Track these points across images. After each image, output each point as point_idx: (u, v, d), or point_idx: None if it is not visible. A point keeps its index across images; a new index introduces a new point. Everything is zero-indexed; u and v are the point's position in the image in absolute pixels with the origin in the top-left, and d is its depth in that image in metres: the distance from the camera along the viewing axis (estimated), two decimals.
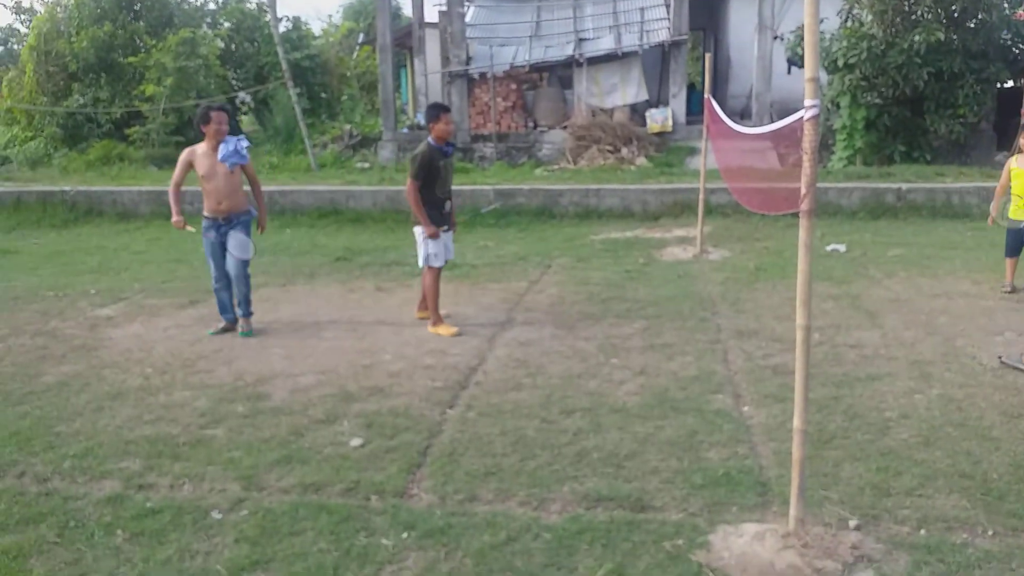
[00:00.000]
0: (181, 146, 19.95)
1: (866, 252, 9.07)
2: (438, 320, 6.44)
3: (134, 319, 7.04)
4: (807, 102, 2.97)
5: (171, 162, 18.49)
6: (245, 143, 6.47)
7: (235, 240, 6.40)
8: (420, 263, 6.52)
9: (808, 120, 2.97)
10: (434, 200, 6.36)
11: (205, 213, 6.47)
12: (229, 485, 3.91)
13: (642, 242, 10.11)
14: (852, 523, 3.41)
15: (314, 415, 4.75)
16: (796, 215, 3.08)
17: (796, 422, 3.26)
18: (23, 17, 25.11)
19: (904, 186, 11.53)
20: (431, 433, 4.45)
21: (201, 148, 6.38)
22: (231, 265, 6.43)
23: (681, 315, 6.71)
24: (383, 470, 4.01)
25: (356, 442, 4.34)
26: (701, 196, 9.42)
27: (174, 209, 6.52)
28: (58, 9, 22.21)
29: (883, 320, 6.43)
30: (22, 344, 6.33)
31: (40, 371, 5.66)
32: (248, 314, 6.59)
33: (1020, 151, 7.27)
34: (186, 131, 20.52)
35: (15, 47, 26.47)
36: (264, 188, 12.35)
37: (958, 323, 6.29)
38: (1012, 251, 7.30)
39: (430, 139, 6.34)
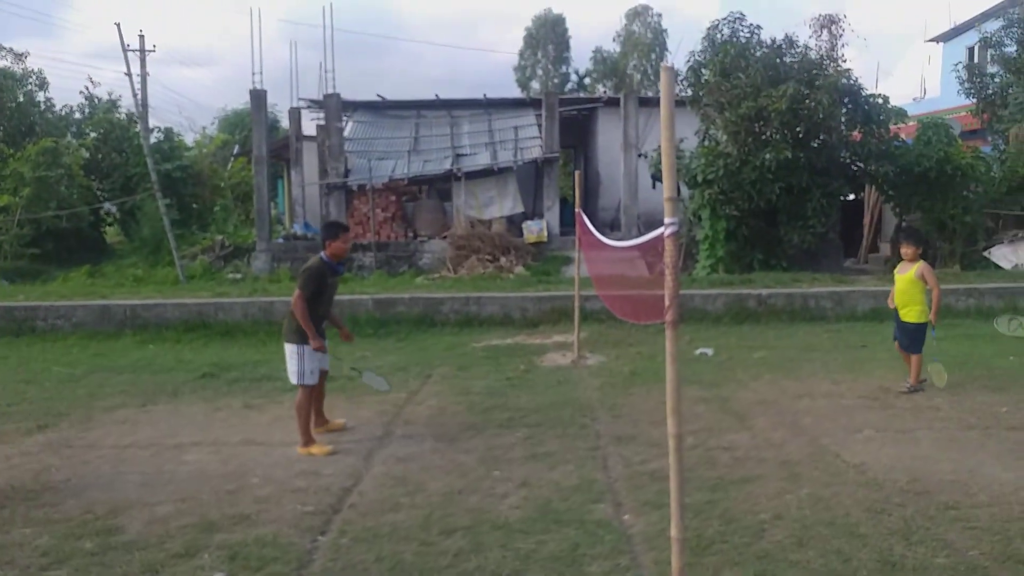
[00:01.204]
0: (37, 258, 19.06)
1: (732, 355, 9.46)
2: (309, 440, 6.15)
3: None
4: (666, 219, 3.12)
5: (24, 275, 17.57)
6: None
7: None
8: (293, 380, 6.29)
9: (668, 236, 3.10)
10: (314, 317, 6.22)
11: None
12: None
13: (523, 348, 10.18)
14: None
15: (172, 548, 4.36)
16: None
17: (673, 531, 3.25)
18: None
19: (764, 292, 12.23)
20: (300, 564, 4.17)
21: None
22: None
23: (562, 422, 6.72)
24: None
25: None
26: (576, 303, 9.64)
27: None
28: None
29: (752, 422, 6.64)
30: None
31: None
32: None
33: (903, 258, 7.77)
34: (44, 242, 19.50)
35: None
36: (127, 302, 11.92)
37: (822, 423, 6.58)
38: (915, 347, 7.63)
39: (323, 255, 6.33)
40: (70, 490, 5.36)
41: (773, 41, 15.45)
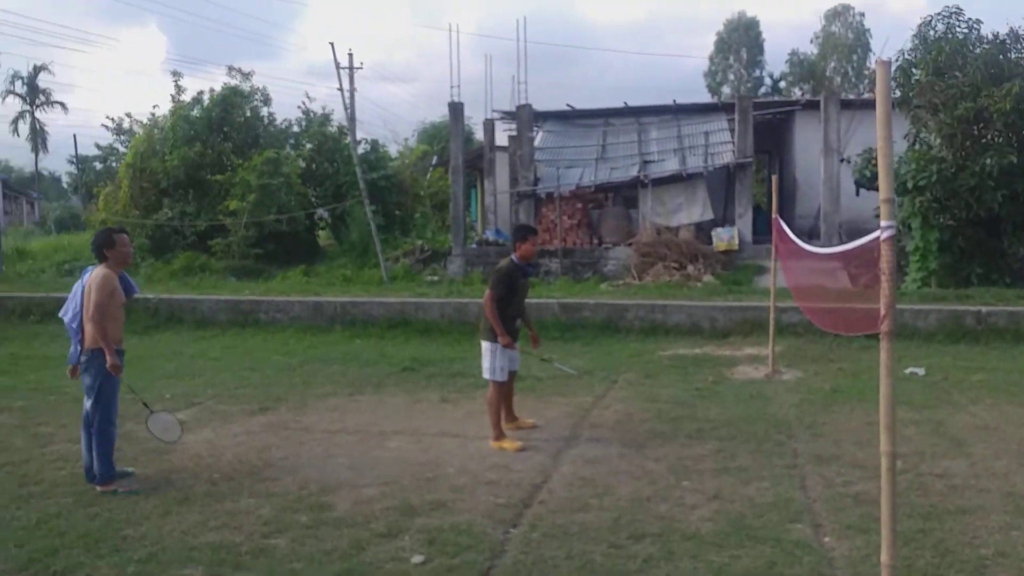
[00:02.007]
0: (260, 258, 21.04)
1: (947, 376, 8.71)
2: (500, 434, 6.38)
3: (206, 424, 7.16)
4: (883, 223, 2.94)
5: (249, 273, 19.45)
6: None
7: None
8: (485, 375, 6.53)
9: (884, 240, 2.93)
10: (505, 316, 6.43)
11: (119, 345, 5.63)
12: None
13: (711, 360, 9.93)
14: None
15: (376, 528, 4.68)
16: (871, 336, 3.00)
17: (884, 557, 3.06)
18: (122, 137, 27.09)
19: (984, 309, 11.16)
20: (493, 553, 4.32)
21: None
22: None
23: (755, 437, 6.49)
24: None
25: (418, 559, 4.24)
26: (771, 314, 9.27)
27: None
28: (155, 131, 23.92)
29: (971, 448, 6.09)
30: None
31: None
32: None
33: None
34: (266, 244, 21.48)
35: (113, 164, 28.44)
36: (337, 299, 12.89)
37: None
38: None
39: (514, 256, 6.57)
40: (287, 468, 5.89)
41: (996, 36, 14.06)
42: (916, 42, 14.72)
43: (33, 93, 57.45)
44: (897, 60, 14.92)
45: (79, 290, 5.56)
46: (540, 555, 4.28)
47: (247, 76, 25.12)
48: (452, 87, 23.79)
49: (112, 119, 26.16)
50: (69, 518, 4.90)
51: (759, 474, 5.56)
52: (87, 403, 5.54)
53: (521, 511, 4.93)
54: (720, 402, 7.76)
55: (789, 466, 5.75)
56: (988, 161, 13.02)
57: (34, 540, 4.56)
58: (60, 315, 5.80)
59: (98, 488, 5.38)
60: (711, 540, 4.43)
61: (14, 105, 57.21)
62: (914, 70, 14.63)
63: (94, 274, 5.50)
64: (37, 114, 58.00)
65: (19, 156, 67.39)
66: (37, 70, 56.60)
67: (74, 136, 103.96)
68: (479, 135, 28.54)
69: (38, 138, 58.37)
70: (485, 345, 6.50)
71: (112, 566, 4.20)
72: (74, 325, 5.56)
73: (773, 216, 9.35)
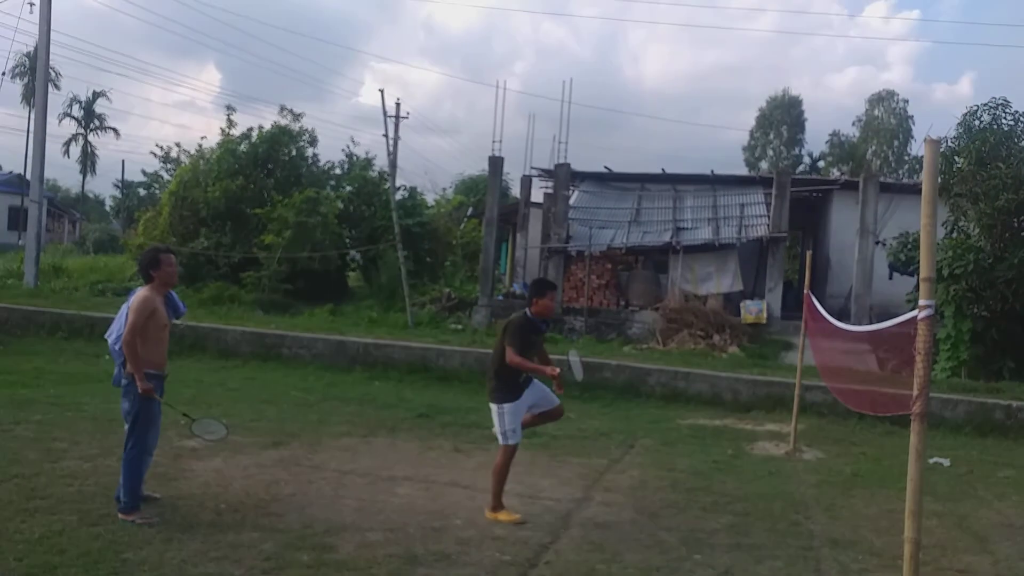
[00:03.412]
0: (289, 294, 21.25)
1: (973, 469, 8.46)
2: (499, 506, 5.91)
3: (217, 454, 7.13)
4: (922, 302, 2.91)
5: (277, 307, 19.61)
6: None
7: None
8: (501, 440, 6.06)
9: (922, 320, 2.89)
10: (513, 373, 6.02)
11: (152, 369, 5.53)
12: None
13: (731, 432, 9.75)
14: None
15: (377, 574, 4.60)
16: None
17: None
18: (168, 166, 27.78)
19: (1015, 403, 10.86)
20: None
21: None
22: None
23: (771, 515, 6.32)
24: None
25: None
26: (797, 391, 9.12)
27: None
28: (201, 162, 24.50)
29: (995, 546, 5.87)
30: (109, 466, 6.46)
31: None
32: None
33: None
34: (297, 280, 21.70)
35: (156, 192, 29.10)
36: (361, 340, 12.92)
37: None
38: None
39: (528, 311, 6.16)
40: (294, 504, 5.83)
41: None
42: (960, 131, 14.70)
43: (89, 117, 59.25)
44: (941, 147, 14.89)
45: (124, 311, 5.52)
46: None
47: (297, 116, 25.76)
48: (494, 142, 24.08)
49: (161, 147, 26.91)
50: (72, 536, 4.88)
51: (773, 553, 5.40)
52: (126, 429, 5.51)
53: (526, 571, 4.83)
54: (737, 476, 7.59)
55: (804, 547, 5.58)
56: None
57: (34, 555, 4.53)
58: (105, 336, 5.76)
59: (119, 515, 5.28)
60: None
61: (69, 127, 58.89)
62: (957, 158, 14.58)
63: (136, 295, 5.49)
64: (90, 138, 59.76)
65: (68, 177, 69.10)
66: (95, 96, 58.44)
67: (122, 161, 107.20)
68: (515, 191, 28.84)
69: (88, 161, 59.89)
70: (493, 408, 6.11)
71: None
72: (116, 347, 5.51)
73: (805, 292, 9.26)
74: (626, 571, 4.90)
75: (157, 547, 4.78)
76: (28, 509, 5.30)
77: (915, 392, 2.80)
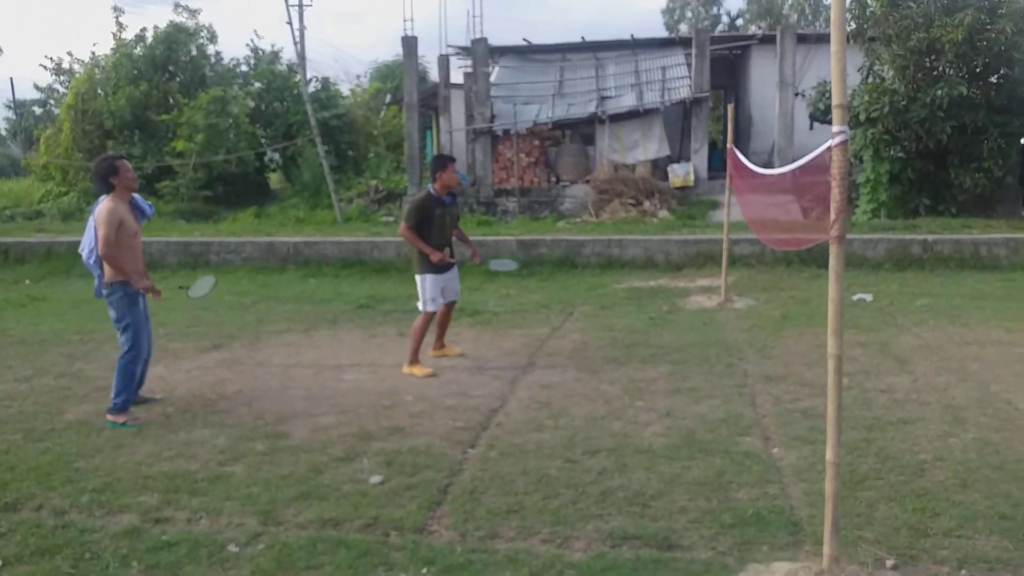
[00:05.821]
0: (209, 200, 20.57)
1: (893, 302, 8.94)
2: (415, 361, 6.42)
3: (157, 362, 6.99)
4: (835, 128, 2.96)
5: (198, 215, 19.01)
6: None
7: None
8: (420, 307, 6.55)
9: (837, 146, 2.95)
10: (431, 247, 6.38)
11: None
12: (247, 520, 3.84)
13: (665, 291, 10.05)
14: (889, 563, 3.27)
15: (333, 453, 4.69)
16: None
17: (829, 454, 3.16)
18: (62, 78, 26.01)
19: (930, 237, 11.43)
20: (452, 472, 4.37)
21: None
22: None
23: (707, 360, 6.61)
24: (403, 507, 3.93)
25: (376, 479, 4.27)
26: (725, 245, 9.37)
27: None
28: (96, 70, 23.00)
29: (913, 366, 6.29)
30: (46, 384, 6.36)
31: (62, 410, 5.67)
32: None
33: None
34: (215, 186, 20.99)
35: (53, 107, 27.35)
36: (290, 239, 12.68)
37: (992, 369, 6.13)
38: None
39: (431, 187, 6.44)
40: (242, 400, 5.85)
41: None
42: None
43: None
44: None
45: (91, 225, 5.44)
46: (497, 472, 4.34)
47: (194, 13, 24.23)
48: (405, 20, 23.34)
49: (51, 59, 25.15)
50: (19, 453, 4.82)
51: (710, 393, 5.68)
52: (120, 338, 5.51)
53: (479, 433, 4.98)
54: (673, 329, 7.88)
55: (739, 385, 5.89)
56: (939, 92, 13.15)
57: None
58: (79, 251, 5.67)
59: (107, 416, 5.34)
60: (663, 453, 4.54)
61: None
62: (869, 1, 14.64)
63: (99, 208, 5.37)
64: None
65: None
66: None
67: (11, 79, 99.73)
68: (434, 75, 27.91)
69: None
70: (417, 278, 6.52)
71: (65, 496, 4.15)
72: (91, 261, 5.48)
73: (728, 147, 9.38)
74: (573, 423, 5.11)
75: (108, 454, 4.76)
76: None
77: (832, 216, 2.89)
